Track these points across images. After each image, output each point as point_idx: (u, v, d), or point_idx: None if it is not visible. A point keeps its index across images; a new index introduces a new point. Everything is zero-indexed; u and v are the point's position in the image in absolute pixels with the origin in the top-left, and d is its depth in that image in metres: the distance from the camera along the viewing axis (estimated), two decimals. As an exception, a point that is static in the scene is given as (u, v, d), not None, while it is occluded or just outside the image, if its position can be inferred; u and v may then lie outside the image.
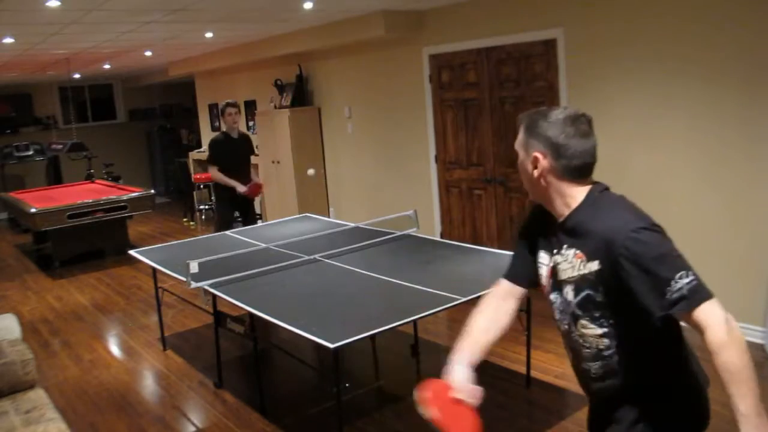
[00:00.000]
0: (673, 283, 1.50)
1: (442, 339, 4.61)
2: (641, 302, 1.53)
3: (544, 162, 1.70)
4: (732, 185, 4.10)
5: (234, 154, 6.10)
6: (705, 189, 4.23)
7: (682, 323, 1.59)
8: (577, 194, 1.76)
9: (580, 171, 1.78)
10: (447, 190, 6.17)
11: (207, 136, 10.72)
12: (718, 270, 4.25)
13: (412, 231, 4.51)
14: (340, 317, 3.04)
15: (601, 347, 1.69)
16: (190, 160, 10.54)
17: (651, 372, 1.71)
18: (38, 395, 3.13)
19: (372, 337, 2.94)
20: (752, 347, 4.04)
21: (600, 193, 1.82)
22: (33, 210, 7.11)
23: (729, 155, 4.08)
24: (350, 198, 7.56)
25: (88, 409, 3.91)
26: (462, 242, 4.95)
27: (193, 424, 3.67)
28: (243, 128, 9.57)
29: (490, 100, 5.57)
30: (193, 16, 5.28)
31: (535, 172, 1.72)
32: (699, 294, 1.49)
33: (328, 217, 7.10)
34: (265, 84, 8.54)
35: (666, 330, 1.61)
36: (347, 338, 2.71)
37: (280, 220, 5.68)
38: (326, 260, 4.01)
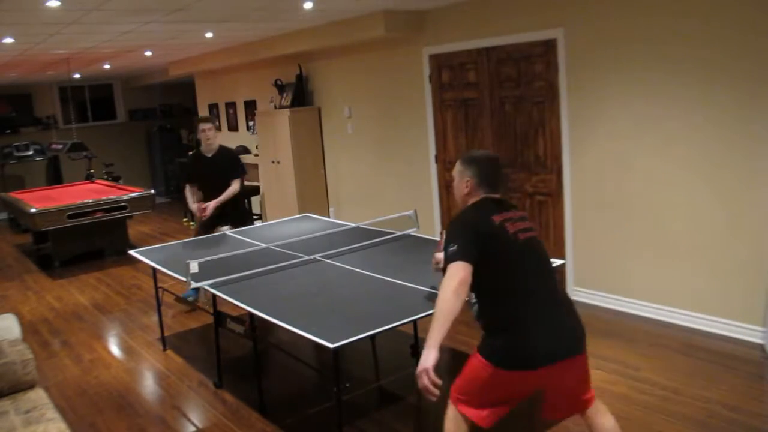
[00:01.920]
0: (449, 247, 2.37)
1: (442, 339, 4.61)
2: None
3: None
4: (732, 185, 4.10)
5: (206, 172, 5.52)
6: (704, 189, 4.23)
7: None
8: None
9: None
10: (447, 190, 6.17)
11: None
12: (718, 270, 4.25)
13: (412, 231, 4.51)
14: (340, 317, 3.04)
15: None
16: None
17: (483, 304, 2.45)
18: (38, 395, 3.13)
19: (372, 337, 2.94)
20: (752, 347, 4.04)
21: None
22: (33, 210, 7.11)
23: (729, 155, 4.08)
24: (350, 198, 7.56)
25: (88, 409, 3.91)
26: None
27: (193, 424, 3.67)
28: (243, 129, 9.59)
29: (490, 100, 5.57)
30: (193, 16, 5.28)
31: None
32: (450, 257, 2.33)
33: (328, 217, 7.10)
34: (265, 84, 8.54)
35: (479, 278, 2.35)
36: (347, 338, 2.71)
37: (280, 220, 5.68)
38: (326, 260, 4.00)
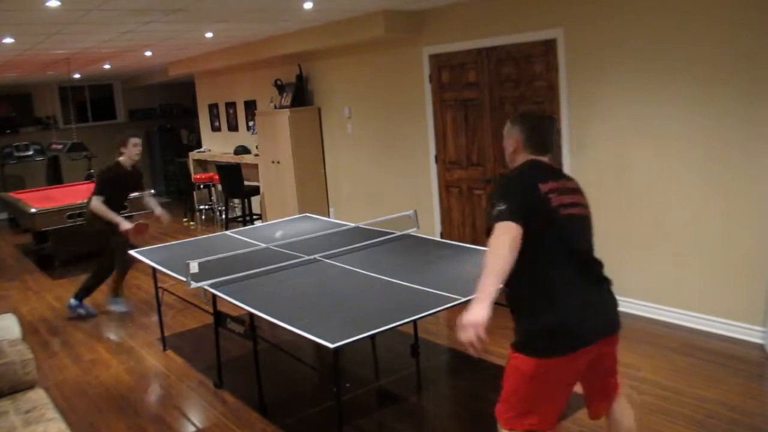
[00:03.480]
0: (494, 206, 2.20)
1: (442, 339, 4.61)
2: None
3: None
4: (732, 184, 4.10)
5: (124, 186, 5.62)
6: (705, 188, 4.23)
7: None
8: None
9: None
10: (447, 190, 6.17)
11: (207, 136, 10.75)
12: (718, 270, 4.25)
13: (412, 231, 4.51)
14: (340, 317, 3.03)
15: None
16: (190, 160, 10.54)
17: (517, 284, 2.23)
18: (38, 395, 3.13)
19: (372, 337, 2.94)
20: (752, 347, 4.04)
21: None
22: (33, 210, 7.11)
23: (729, 154, 4.08)
24: (350, 198, 7.55)
25: (88, 409, 3.91)
26: (462, 242, 4.95)
27: (193, 424, 3.67)
28: (243, 129, 9.61)
29: (490, 100, 5.57)
30: (193, 16, 5.28)
31: None
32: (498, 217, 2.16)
33: (328, 217, 7.10)
34: (265, 84, 8.55)
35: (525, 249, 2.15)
36: (347, 338, 2.71)
37: (280, 220, 5.68)
38: (326, 260, 4.01)
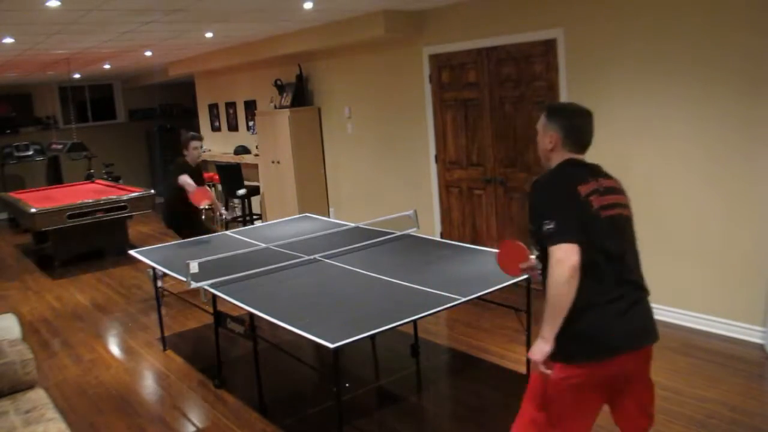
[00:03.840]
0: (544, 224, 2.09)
1: (442, 339, 4.61)
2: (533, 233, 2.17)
3: None
4: (732, 185, 4.10)
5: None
6: (705, 188, 4.23)
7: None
8: None
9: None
10: (447, 190, 6.17)
11: (207, 136, 10.73)
12: (718, 270, 4.25)
13: (412, 231, 4.51)
14: (340, 317, 3.03)
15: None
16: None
17: None
18: (38, 395, 3.13)
19: (372, 337, 2.94)
20: (752, 347, 4.04)
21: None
22: (33, 210, 7.11)
23: (729, 155, 4.08)
24: (350, 198, 7.55)
25: (88, 409, 3.91)
26: (462, 242, 4.95)
27: (193, 424, 3.67)
28: (243, 129, 9.62)
29: (490, 100, 5.57)
30: (193, 16, 5.28)
31: None
32: (552, 238, 2.06)
33: (328, 217, 7.10)
34: (265, 84, 8.55)
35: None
36: (347, 338, 2.70)
37: (280, 220, 5.68)
38: (326, 260, 4.00)
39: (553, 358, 2.13)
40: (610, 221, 2.18)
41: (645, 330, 2.19)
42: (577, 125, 2.31)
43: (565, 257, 2.02)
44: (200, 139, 6.03)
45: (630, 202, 2.33)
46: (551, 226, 2.06)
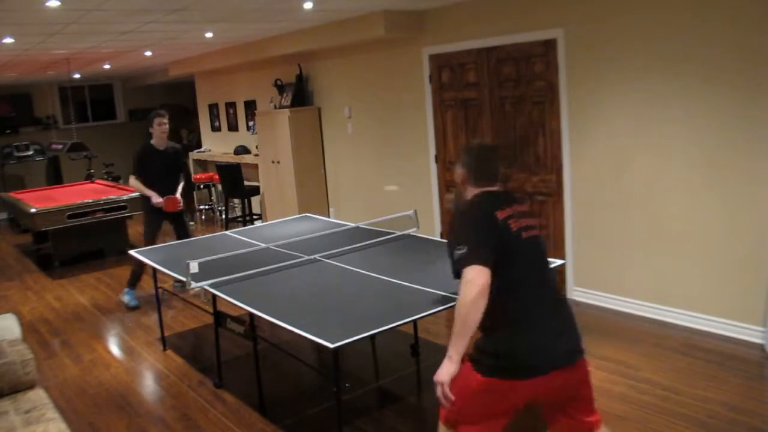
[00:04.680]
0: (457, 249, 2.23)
1: (442, 339, 4.61)
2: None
3: None
4: (731, 185, 4.10)
5: (159, 166, 5.80)
6: (704, 189, 4.23)
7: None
8: None
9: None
10: (447, 190, 6.17)
11: (207, 136, 10.74)
12: (718, 270, 4.25)
13: (412, 231, 4.51)
14: (340, 317, 3.03)
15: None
16: (190, 160, 10.54)
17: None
18: (38, 395, 3.13)
19: (372, 337, 2.94)
20: (752, 347, 4.04)
21: None
22: (33, 210, 7.11)
23: (728, 155, 4.08)
24: (350, 198, 7.56)
25: (88, 409, 3.91)
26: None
27: (193, 424, 3.67)
28: (243, 129, 9.61)
29: (490, 100, 5.57)
30: (193, 16, 5.28)
31: None
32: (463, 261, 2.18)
33: (328, 217, 7.10)
34: (265, 84, 8.55)
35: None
36: (347, 338, 2.71)
37: (280, 220, 5.68)
38: (326, 260, 4.01)
39: (472, 363, 2.24)
40: (530, 241, 2.33)
41: (566, 351, 2.27)
42: (477, 163, 2.46)
43: (475, 278, 2.12)
44: (163, 115, 5.76)
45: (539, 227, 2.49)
46: (463, 250, 2.19)
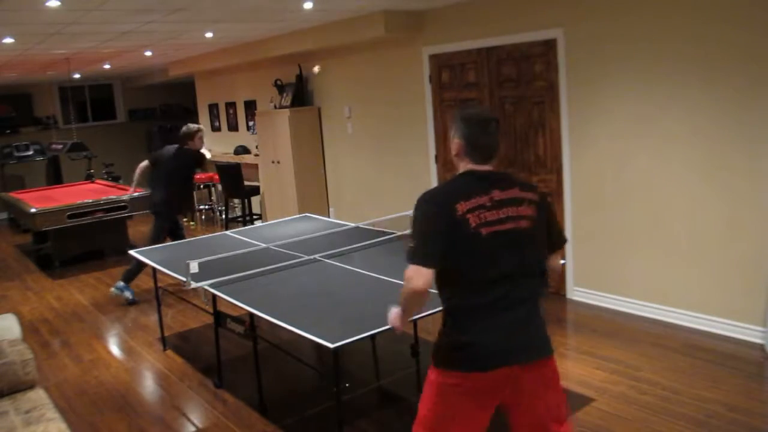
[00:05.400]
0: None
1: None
2: None
3: None
4: (732, 185, 4.10)
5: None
6: (705, 189, 4.23)
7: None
8: None
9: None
10: (447, 190, 6.16)
11: (207, 136, 10.72)
12: (718, 270, 4.25)
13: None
14: (340, 317, 3.03)
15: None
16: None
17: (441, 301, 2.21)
18: (38, 395, 3.13)
19: (372, 337, 2.94)
20: (752, 347, 4.04)
21: None
22: (33, 210, 7.11)
23: (729, 155, 4.08)
24: (350, 198, 7.56)
25: (88, 409, 3.91)
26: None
27: (193, 424, 3.67)
28: (243, 129, 9.61)
29: (490, 100, 5.56)
30: (193, 16, 5.28)
31: None
32: (409, 257, 2.10)
33: (328, 217, 7.10)
34: (265, 84, 8.55)
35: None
36: (347, 338, 2.71)
37: (280, 220, 5.68)
38: (326, 260, 4.00)
39: (435, 363, 2.17)
40: (493, 238, 2.08)
41: (528, 347, 2.13)
42: (477, 135, 2.17)
43: (413, 278, 2.04)
44: (202, 129, 6.23)
45: (535, 211, 2.17)
46: (411, 245, 2.10)
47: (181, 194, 6.20)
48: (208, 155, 6.42)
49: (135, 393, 4.11)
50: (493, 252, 2.09)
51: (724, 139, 4.09)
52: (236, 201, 8.89)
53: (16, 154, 10.93)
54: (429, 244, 2.07)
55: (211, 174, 9.53)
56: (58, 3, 4.26)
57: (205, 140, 6.21)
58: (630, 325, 4.59)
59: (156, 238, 5.91)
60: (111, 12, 4.76)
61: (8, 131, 11.40)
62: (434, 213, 2.10)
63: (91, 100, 12.48)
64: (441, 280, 2.14)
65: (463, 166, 2.20)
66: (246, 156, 9.08)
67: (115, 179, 10.61)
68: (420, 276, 2.03)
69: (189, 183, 6.33)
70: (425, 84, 6.18)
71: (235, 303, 3.33)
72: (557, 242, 2.35)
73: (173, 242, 5.92)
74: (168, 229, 6.06)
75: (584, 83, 4.82)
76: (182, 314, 5.50)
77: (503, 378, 2.10)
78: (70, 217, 7.23)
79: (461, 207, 2.08)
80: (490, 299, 2.10)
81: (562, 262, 2.40)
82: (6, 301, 6.34)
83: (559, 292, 5.28)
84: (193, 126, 6.12)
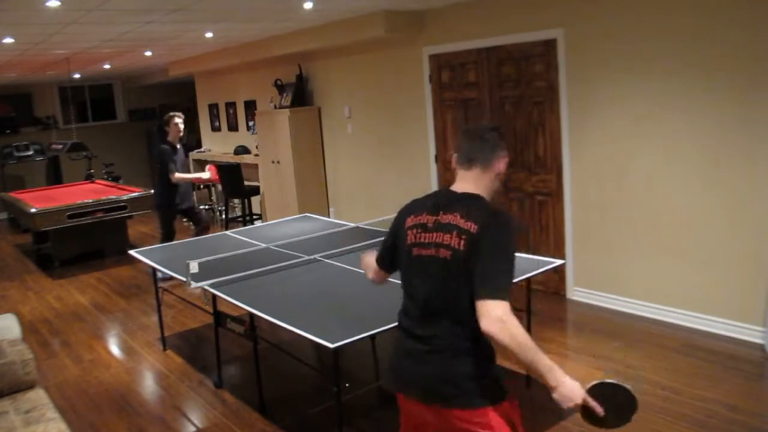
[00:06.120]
0: None
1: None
2: None
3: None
4: (731, 185, 4.10)
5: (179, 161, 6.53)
6: (704, 189, 4.23)
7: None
8: None
9: None
10: (447, 190, 6.16)
11: (207, 136, 10.74)
12: (718, 270, 4.25)
13: (412, 231, 4.51)
14: (340, 317, 3.04)
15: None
16: (190, 160, 10.53)
17: None
18: (38, 395, 3.13)
19: (372, 337, 2.94)
20: (752, 347, 4.04)
21: None
22: (33, 210, 7.11)
23: (728, 155, 4.08)
24: (350, 198, 7.56)
25: (88, 409, 3.91)
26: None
27: (193, 424, 3.67)
28: (243, 129, 9.61)
29: (490, 100, 5.57)
30: (193, 16, 5.28)
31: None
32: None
33: (328, 217, 7.10)
34: (265, 84, 8.54)
35: None
36: (347, 338, 2.71)
37: (280, 220, 5.68)
38: (326, 260, 4.00)
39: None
40: (417, 261, 2.02)
41: (422, 388, 1.98)
42: (461, 141, 2.10)
43: (368, 263, 2.40)
44: (179, 115, 6.58)
45: (463, 244, 1.90)
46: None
47: (164, 189, 6.39)
48: (206, 175, 6.92)
49: (135, 393, 4.11)
50: (413, 275, 2.05)
51: (724, 139, 4.09)
52: (236, 201, 8.89)
53: (16, 154, 10.93)
54: (383, 244, 2.30)
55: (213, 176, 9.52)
56: (58, 3, 4.26)
57: (182, 128, 6.45)
58: (630, 325, 4.59)
59: (165, 233, 6.35)
60: (111, 12, 4.75)
61: (8, 131, 11.40)
62: (397, 220, 2.21)
63: (91, 100, 12.48)
64: None
65: (455, 177, 2.10)
66: (246, 156, 9.07)
67: (115, 179, 10.61)
68: (370, 264, 2.38)
69: (165, 179, 6.36)
70: (425, 84, 6.18)
71: (235, 303, 3.33)
72: (475, 290, 1.83)
73: (195, 230, 6.52)
74: (170, 221, 6.44)
75: (584, 83, 4.82)
76: (182, 314, 5.50)
77: (415, 408, 2.04)
78: (70, 217, 7.23)
79: (410, 221, 2.10)
80: (407, 323, 2.07)
81: (489, 329, 1.77)
82: (6, 301, 6.34)
83: (559, 292, 5.28)
84: (168, 114, 6.43)
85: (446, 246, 1.94)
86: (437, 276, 1.96)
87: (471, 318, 1.85)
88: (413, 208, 2.11)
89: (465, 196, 2.02)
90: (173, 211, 6.47)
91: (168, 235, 6.43)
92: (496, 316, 1.76)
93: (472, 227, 1.90)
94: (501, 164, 2.08)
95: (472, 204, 1.98)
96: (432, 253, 1.97)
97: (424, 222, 2.03)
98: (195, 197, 6.64)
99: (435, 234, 1.98)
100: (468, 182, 2.05)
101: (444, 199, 2.04)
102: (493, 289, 1.81)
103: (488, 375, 1.95)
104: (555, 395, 1.82)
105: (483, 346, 1.91)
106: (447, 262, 1.93)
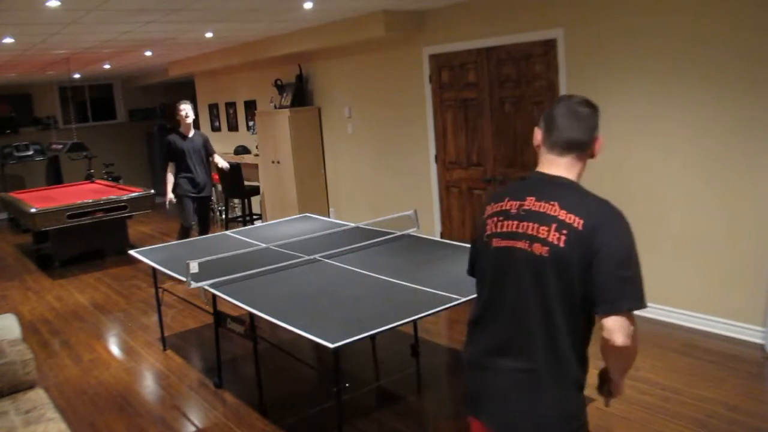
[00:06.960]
0: None
1: (442, 339, 4.61)
2: None
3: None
4: (731, 184, 4.10)
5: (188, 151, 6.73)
6: (704, 188, 4.23)
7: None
8: None
9: None
10: (447, 190, 6.17)
11: (207, 136, 10.72)
12: (718, 270, 4.25)
13: (412, 231, 4.51)
14: (340, 317, 3.03)
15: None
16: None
17: None
18: (38, 395, 3.13)
19: (372, 337, 2.94)
20: (752, 347, 4.04)
21: None
22: (33, 210, 7.11)
23: (728, 154, 4.08)
24: (350, 198, 7.55)
25: (88, 409, 3.91)
26: (462, 242, 4.94)
27: (193, 424, 3.67)
28: (243, 129, 9.61)
29: (490, 100, 5.57)
30: (193, 16, 5.28)
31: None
32: None
33: (328, 217, 7.10)
34: (265, 84, 8.54)
35: None
36: (347, 338, 2.70)
37: (280, 220, 5.68)
38: (326, 260, 4.00)
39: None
40: (498, 255, 1.67)
41: (497, 406, 1.69)
42: (552, 118, 1.73)
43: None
44: (185, 102, 6.63)
45: (563, 241, 1.59)
46: None
47: (176, 178, 6.73)
48: (222, 164, 7.04)
49: (135, 393, 4.11)
50: (493, 274, 1.70)
51: (724, 138, 4.09)
52: (236, 201, 8.89)
53: (16, 154, 10.93)
54: (471, 250, 1.84)
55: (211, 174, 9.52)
56: (58, 3, 4.26)
57: (184, 114, 6.51)
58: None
59: (183, 220, 6.68)
60: (111, 12, 4.75)
61: (8, 131, 11.39)
62: (480, 213, 1.80)
63: (91, 100, 12.47)
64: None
65: (540, 158, 1.76)
66: (246, 156, 9.07)
67: (115, 179, 10.61)
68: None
69: (170, 167, 6.75)
70: (425, 84, 6.18)
71: (235, 303, 3.33)
72: (602, 305, 1.61)
73: (200, 230, 6.75)
74: (189, 211, 6.72)
75: (584, 83, 4.82)
76: (182, 314, 5.50)
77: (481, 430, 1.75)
78: (70, 217, 7.23)
79: (492, 208, 1.73)
80: (484, 340, 1.71)
81: (625, 343, 1.65)
82: (6, 301, 6.34)
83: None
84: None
85: (542, 240, 1.59)
86: (527, 277, 1.62)
87: (569, 336, 1.62)
88: (494, 196, 1.76)
89: (562, 181, 1.68)
90: (190, 198, 6.68)
91: (185, 230, 6.61)
92: (630, 332, 1.62)
93: (577, 222, 1.58)
94: (597, 146, 1.80)
95: (571, 193, 1.65)
96: (522, 246, 1.62)
97: (507, 208, 1.67)
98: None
99: (524, 224, 1.63)
100: (560, 167, 1.71)
101: (535, 183, 1.69)
102: (631, 299, 1.62)
103: (583, 421, 1.68)
104: (616, 391, 1.85)
105: (583, 372, 1.70)
106: (544, 261, 1.58)
